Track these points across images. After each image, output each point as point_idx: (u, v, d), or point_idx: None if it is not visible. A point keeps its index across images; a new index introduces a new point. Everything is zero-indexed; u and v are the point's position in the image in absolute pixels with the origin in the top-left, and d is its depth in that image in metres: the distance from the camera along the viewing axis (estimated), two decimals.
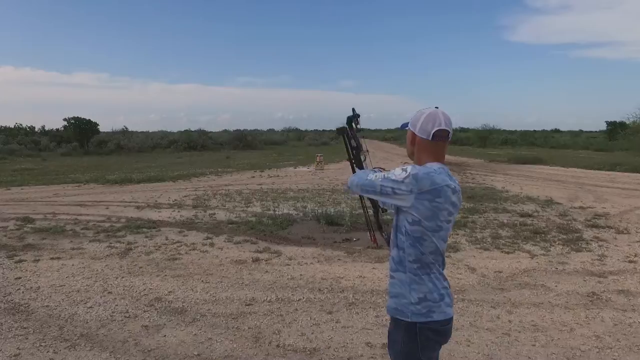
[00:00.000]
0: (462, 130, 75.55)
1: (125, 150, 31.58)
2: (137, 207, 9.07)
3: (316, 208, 8.85)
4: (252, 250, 5.78)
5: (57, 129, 32.43)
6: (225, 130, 60.17)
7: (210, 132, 50.21)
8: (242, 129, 51.57)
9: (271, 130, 75.85)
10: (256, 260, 5.31)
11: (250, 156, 27.68)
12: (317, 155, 18.64)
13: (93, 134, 30.07)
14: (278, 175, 15.70)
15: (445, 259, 1.67)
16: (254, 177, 15.38)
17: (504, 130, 51.28)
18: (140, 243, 6.14)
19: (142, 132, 46.31)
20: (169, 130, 49.52)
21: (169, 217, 8.02)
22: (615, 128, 47.36)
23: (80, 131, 28.81)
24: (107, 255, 5.56)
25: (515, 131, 58.21)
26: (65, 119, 30.03)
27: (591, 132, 77.18)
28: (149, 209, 8.95)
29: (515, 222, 7.57)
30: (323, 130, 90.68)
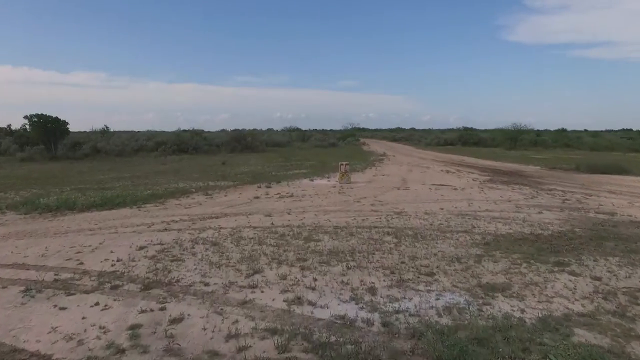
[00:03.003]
0: (466, 129, 71.18)
1: (102, 154, 26.73)
2: (24, 292, 4.35)
3: (400, 295, 4.15)
4: None
5: (23, 129, 27.30)
6: (223, 130, 55.40)
7: (208, 132, 45.59)
8: (240, 128, 46.78)
9: (270, 130, 70.68)
10: None
11: (251, 161, 22.94)
12: (342, 165, 13.87)
13: (61, 134, 25.12)
14: (292, 194, 10.99)
15: None
16: (258, 197, 10.66)
17: (536, 131, 46.35)
18: None
19: (125, 132, 41.34)
20: (167, 130, 44.69)
21: (72, 337, 3.33)
22: None
23: (46, 131, 23.89)
24: None
25: (548, 131, 53.60)
26: (26, 117, 24.91)
27: (599, 131, 73.34)
28: (44, 297, 4.23)
29: None
30: (323, 129, 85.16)
